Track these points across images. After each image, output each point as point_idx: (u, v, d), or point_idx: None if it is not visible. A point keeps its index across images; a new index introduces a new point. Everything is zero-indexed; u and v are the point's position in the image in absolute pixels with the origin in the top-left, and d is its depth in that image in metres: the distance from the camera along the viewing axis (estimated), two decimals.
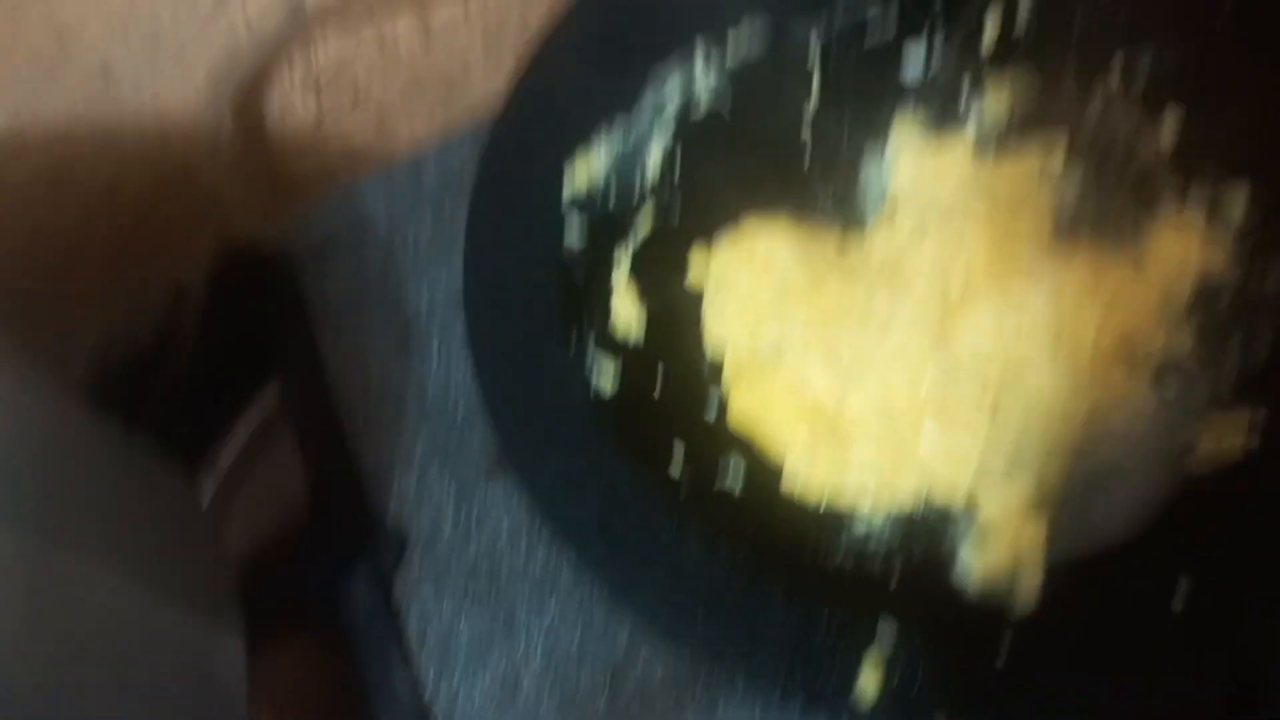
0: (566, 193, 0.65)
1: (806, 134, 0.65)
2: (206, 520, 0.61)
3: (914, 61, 0.64)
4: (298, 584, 0.64)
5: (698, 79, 0.66)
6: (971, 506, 0.53)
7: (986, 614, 0.50)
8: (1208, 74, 0.57)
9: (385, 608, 0.63)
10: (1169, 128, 0.58)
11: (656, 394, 0.59)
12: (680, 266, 0.62)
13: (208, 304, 0.73)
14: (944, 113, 0.62)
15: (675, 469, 0.57)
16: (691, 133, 0.66)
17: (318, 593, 0.64)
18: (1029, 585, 0.50)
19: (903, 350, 0.54)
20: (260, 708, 0.64)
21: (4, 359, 0.48)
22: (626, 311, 0.61)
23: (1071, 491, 0.52)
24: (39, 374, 0.52)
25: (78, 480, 0.50)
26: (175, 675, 0.49)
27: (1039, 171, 0.57)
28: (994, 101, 0.61)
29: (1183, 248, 0.55)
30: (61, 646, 0.43)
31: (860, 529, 0.55)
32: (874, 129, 0.64)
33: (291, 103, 0.85)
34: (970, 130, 0.61)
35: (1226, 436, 0.51)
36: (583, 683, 0.60)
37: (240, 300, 0.74)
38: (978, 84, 0.62)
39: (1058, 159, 0.57)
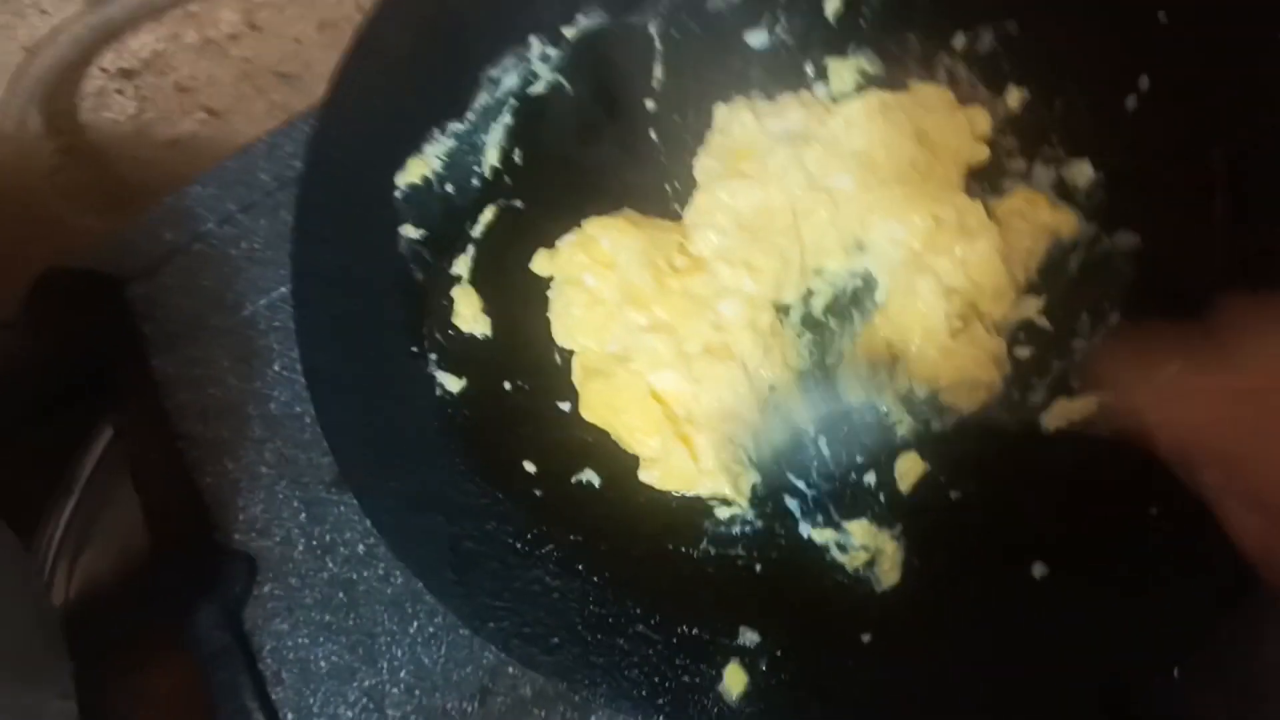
0: (400, 187, 0.60)
1: (650, 109, 0.61)
2: (29, 574, 0.56)
3: (757, 38, 0.61)
4: (136, 623, 0.59)
5: (534, 66, 0.62)
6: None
7: (849, 595, 0.49)
8: (1047, 53, 0.55)
9: (234, 646, 0.59)
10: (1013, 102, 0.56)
11: (508, 387, 0.56)
12: (525, 256, 0.58)
13: (26, 333, 0.67)
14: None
15: (529, 466, 0.54)
16: (532, 113, 0.62)
17: (163, 631, 0.60)
18: (891, 557, 0.49)
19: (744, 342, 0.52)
20: None
21: None
22: (470, 305, 0.58)
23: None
24: None
25: None
26: None
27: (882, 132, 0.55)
28: (837, 79, 0.58)
29: (1031, 214, 0.53)
30: None
31: (723, 513, 0.52)
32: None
33: (107, 99, 0.78)
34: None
35: (1075, 413, 0.50)
36: (450, 705, 0.57)
37: (66, 327, 0.68)
38: (820, 65, 0.59)
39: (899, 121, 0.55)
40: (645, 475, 0.54)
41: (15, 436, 0.71)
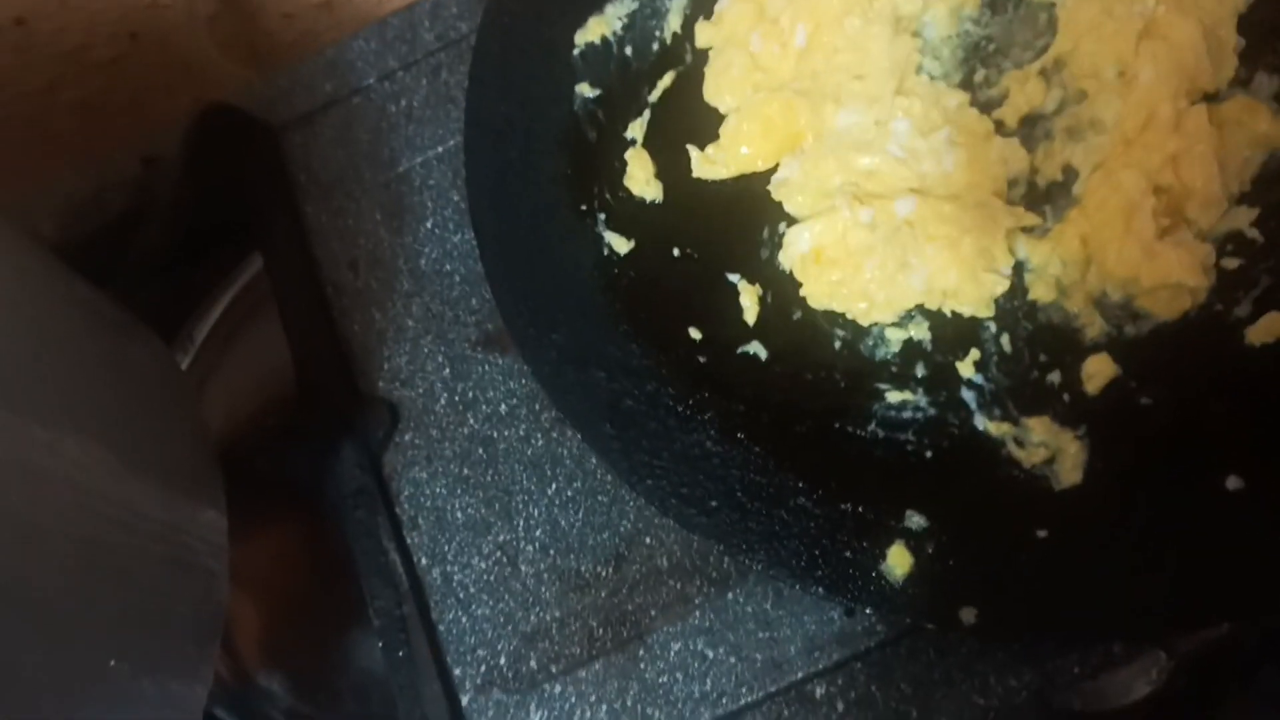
0: (578, 46, 0.59)
1: None
2: (186, 393, 0.56)
3: None
4: (282, 464, 0.60)
5: None
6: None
7: (1026, 490, 0.47)
8: None
9: (374, 488, 0.59)
10: None
11: (676, 253, 0.55)
12: (700, 125, 0.57)
13: (184, 168, 0.67)
14: None
15: (693, 334, 0.53)
16: None
17: (303, 472, 0.60)
18: (1073, 457, 0.47)
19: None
20: (241, 588, 0.61)
21: None
22: (644, 169, 0.57)
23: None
24: (10, 234, 0.47)
25: (47, 345, 0.45)
26: (147, 548, 0.46)
27: None
28: None
29: (1250, 123, 0.50)
30: (26, 514, 0.39)
31: (894, 398, 0.51)
32: None
33: None
34: None
35: None
36: (584, 568, 0.57)
37: (220, 166, 0.69)
38: None
39: None
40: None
41: (162, 272, 0.72)
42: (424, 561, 0.58)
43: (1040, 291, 0.51)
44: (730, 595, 0.54)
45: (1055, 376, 0.50)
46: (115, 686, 0.43)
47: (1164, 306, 0.49)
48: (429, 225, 0.66)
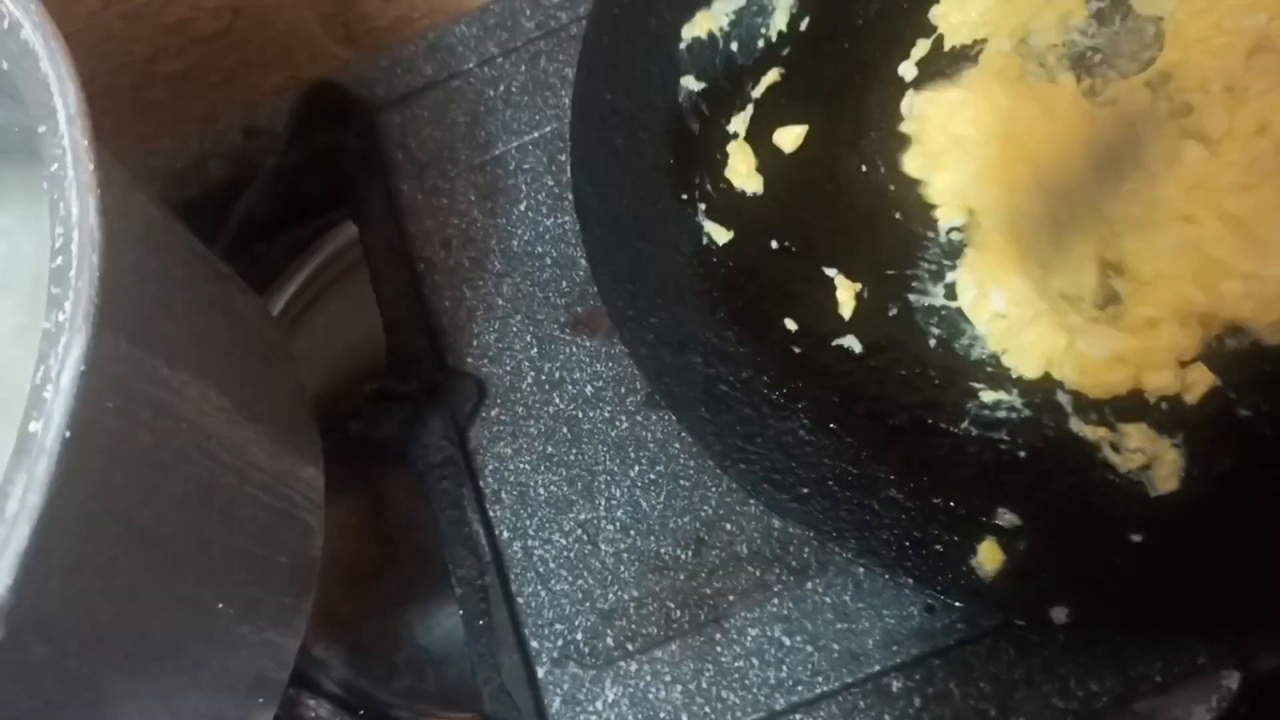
0: (685, 40, 0.60)
1: None
2: (287, 353, 0.58)
3: None
4: (370, 431, 0.61)
5: None
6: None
7: (1122, 494, 0.47)
8: None
9: (460, 459, 0.61)
10: None
11: (775, 246, 0.56)
12: (806, 117, 0.58)
13: (287, 140, 0.69)
14: None
15: (789, 324, 0.54)
16: None
17: (390, 441, 0.62)
18: (1170, 464, 0.47)
19: None
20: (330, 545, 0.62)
21: (114, 173, 0.45)
22: (745, 162, 0.58)
23: None
24: (136, 186, 0.49)
25: (171, 291, 0.46)
26: (256, 497, 0.47)
27: None
28: None
29: None
30: (153, 448, 0.40)
31: (989, 397, 0.51)
32: None
33: None
34: None
35: None
36: (663, 550, 0.57)
37: (321, 140, 0.70)
38: None
39: None
40: None
41: (261, 239, 0.74)
42: (506, 535, 0.59)
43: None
44: (809, 585, 0.54)
45: None
46: (220, 626, 0.45)
47: (1274, 332, 0.49)
48: (522, 208, 0.67)
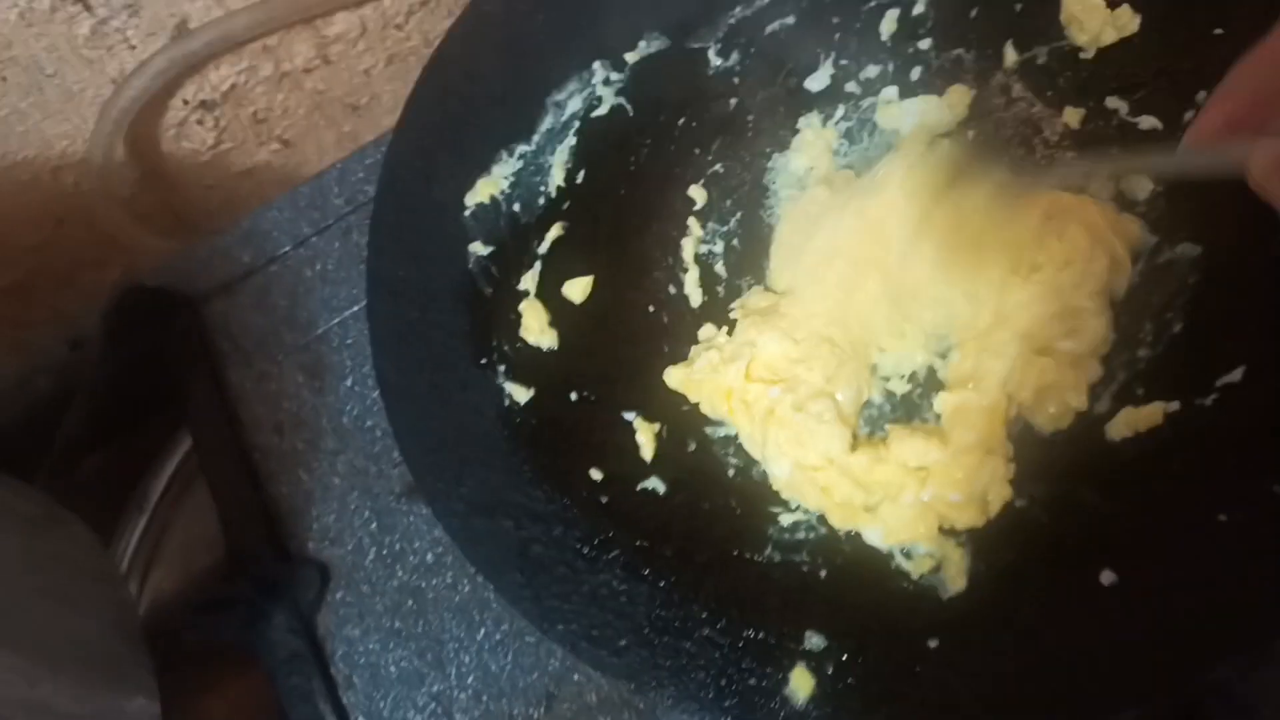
0: (469, 207, 0.63)
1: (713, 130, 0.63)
2: (111, 577, 0.58)
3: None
4: (213, 631, 0.61)
5: (598, 89, 0.65)
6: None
7: (916, 601, 0.49)
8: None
9: (307, 652, 0.60)
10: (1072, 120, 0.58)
11: (574, 397, 0.57)
12: (589, 272, 0.60)
13: (104, 349, 0.70)
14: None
15: (595, 474, 0.55)
16: (596, 135, 0.64)
17: (235, 638, 0.61)
18: (956, 562, 0.49)
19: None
20: None
21: None
22: (538, 319, 0.60)
23: None
24: None
25: None
26: None
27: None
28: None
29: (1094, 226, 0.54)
30: None
31: (787, 520, 0.53)
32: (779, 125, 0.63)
33: (188, 129, 0.82)
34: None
35: (1141, 422, 0.50)
36: (516, 711, 0.58)
37: (141, 342, 0.71)
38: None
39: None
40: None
41: (91, 452, 0.74)
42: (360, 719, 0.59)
43: None
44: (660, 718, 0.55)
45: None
46: None
47: (1048, 422, 0.51)
48: (349, 383, 0.68)
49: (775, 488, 0.55)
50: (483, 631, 0.60)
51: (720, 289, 0.61)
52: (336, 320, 0.71)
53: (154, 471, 0.74)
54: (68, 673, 0.47)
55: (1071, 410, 0.51)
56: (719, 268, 0.61)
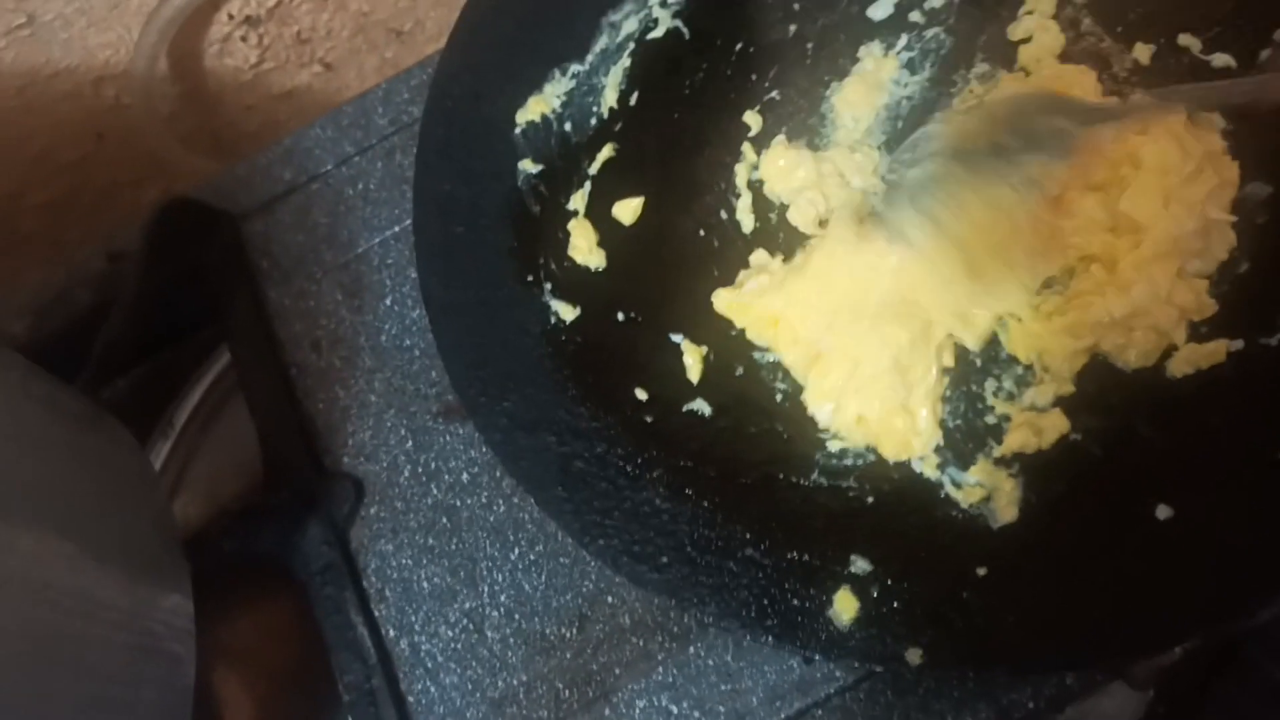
0: (519, 125, 0.62)
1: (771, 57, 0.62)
2: (149, 480, 0.58)
3: None
4: (250, 540, 0.61)
5: (654, 11, 0.63)
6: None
7: (965, 529, 0.48)
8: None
9: (340, 563, 0.60)
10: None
11: (620, 318, 0.57)
12: (642, 189, 0.59)
13: (145, 263, 0.69)
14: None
15: (640, 394, 0.55)
16: (651, 57, 0.63)
17: (271, 548, 0.61)
18: (1008, 492, 0.48)
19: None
20: (217, 665, 0.62)
21: None
22: (586, 238, 0.59)
23: None
24: None
25: (1, 441, 0.46)
26: (108, 637, 0.47)
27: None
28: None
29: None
30: None
31: (834, 446, 0.53)
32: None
33: (231, 46, 0.81)
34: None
35: (1203, 359, 0.49)
36: (548, 630, 0.58)
37: (181, 257, 0.71)
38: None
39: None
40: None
41: (128, 366, 0.74)
42: (392, 633, 0.59)
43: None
44: (692, 650, 0.55)
45: (990, 417, 0.51)
46: None
47: (1140, 358, 0.50)
48: (388, 302, 0.68)
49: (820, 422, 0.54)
50: (517, 551, 0.60)
51: (773, 215, 0.59)
52: (377, 240, 0.70)
53: (182, 395, 0.74)
54: (110, 563, 0.47)
55: (1162, 347, 0.50)
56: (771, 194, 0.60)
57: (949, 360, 0.53)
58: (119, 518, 0.52)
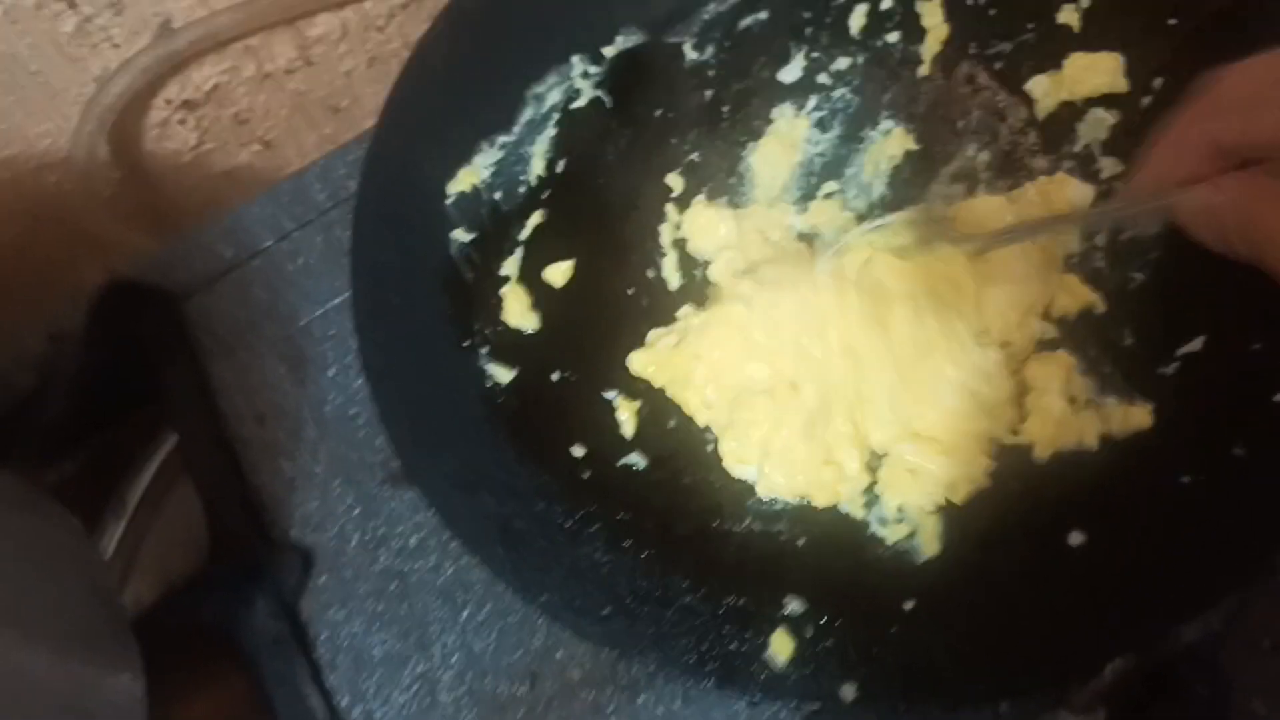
0: (450, 196, 0.64)
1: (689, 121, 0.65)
2: (93, 560, 0.58)
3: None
4: (192, 612, 0.61)
5: (576, 82, 0.66)
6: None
7: (892, 565, 0.50)
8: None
9: (289, 635, 0.61)
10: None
11: (555, 377, 0.58)
12: (571, 252, 0.61)
13: (85, 343, 0.70)
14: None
15: (577, 451, 0.56)
16: (575, 125, 0.65)
17: (216, 620, 0.62)
18: (930, 528, 0.50)
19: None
20: None
21: None
22: (519, 302, 0.61)
23: None
24: None
25: None
26: (54, 717, 0.47)
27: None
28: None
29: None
30: None
31: (765, 493, 0.54)
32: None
33: (170, 130, 0.82)
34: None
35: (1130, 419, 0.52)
36: (500, 689, 0.58)
37: (120, 337, 0.71)
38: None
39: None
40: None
41: (74, 447, 0.74)
42: (345, 702, 0.60)
43: None
44: (641, 699, 0.56)
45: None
46: None
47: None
48: (331, 373, 0.69)
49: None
50: (466, 612, 0.60)
51: (698, 272, 0.62)
52: (319, 312, 0.71)
53: (129, 477, 0.74)
54: (51, 647, 0.47)
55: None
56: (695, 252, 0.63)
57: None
58: (61, 601, 0.52)
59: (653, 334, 0.59)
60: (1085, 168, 0.58)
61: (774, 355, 0.54)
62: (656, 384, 0.58)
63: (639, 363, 0.58)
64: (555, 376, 0.60)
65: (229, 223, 0.76)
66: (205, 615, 0.61)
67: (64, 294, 0.84)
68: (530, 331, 0.61)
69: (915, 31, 0.63)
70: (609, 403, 0.59)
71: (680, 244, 0.63)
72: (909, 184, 0.60)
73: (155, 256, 0.76)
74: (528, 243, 0.63)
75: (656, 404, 0.58)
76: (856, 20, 0.64)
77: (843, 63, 0.64)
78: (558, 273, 0.62)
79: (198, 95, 0.81)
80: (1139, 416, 0.51)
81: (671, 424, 0.58)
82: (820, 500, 0.54)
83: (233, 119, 0.85)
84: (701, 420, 0.57)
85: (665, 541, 0.53)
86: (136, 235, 0.85)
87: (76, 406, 0.69)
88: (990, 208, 0.55)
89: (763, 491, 0.54)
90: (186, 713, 0.63)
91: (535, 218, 0.64)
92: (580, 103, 0.66)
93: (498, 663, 0.59)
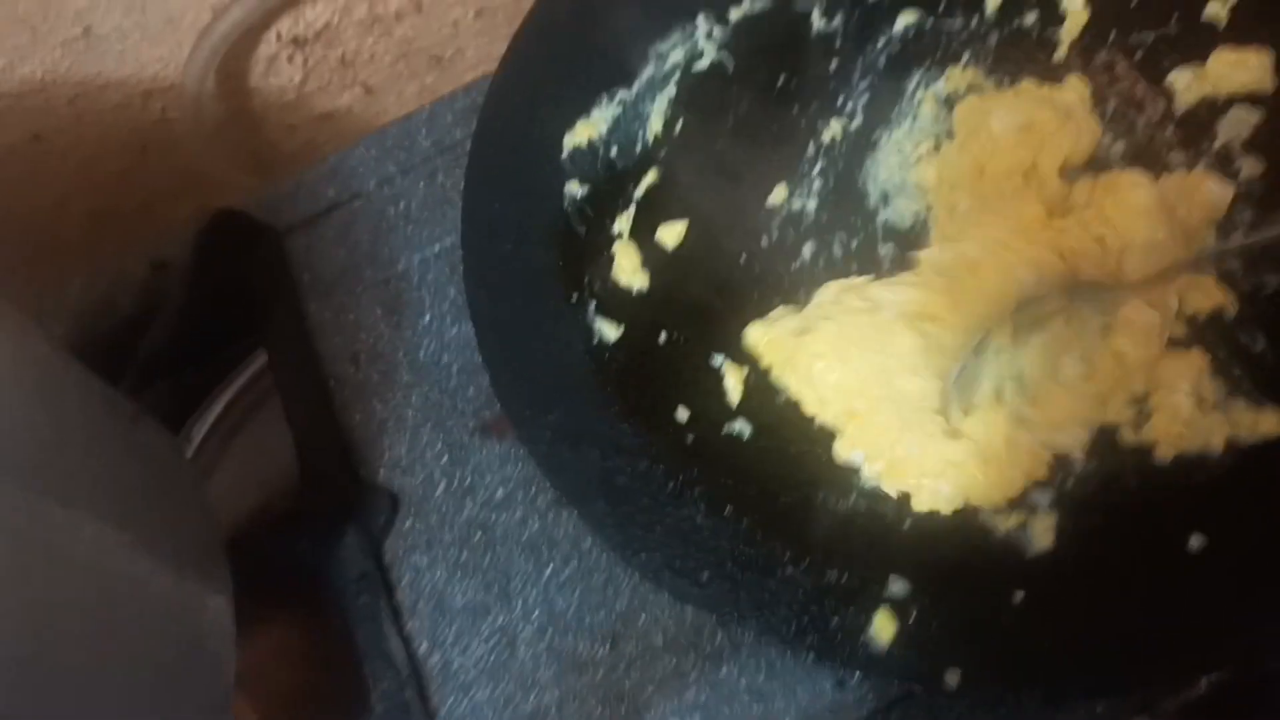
0: (566, 149, 0.63)
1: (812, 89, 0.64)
2: (195, 482, 0.59)
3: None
4: (286, 550, 0.62)
5: (700, 43, 0.65)
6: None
7: (1002, 554, 0.49)
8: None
9: (376, 573, 0.61)
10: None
11: (663, 339, 0.58)
12: (685, 213, 0.61)
13: (193, 272, 0.71)
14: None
15: (681, 414, 0.56)
16: (696, 86, 0.65)
17: (306, 559, 0.62)
18: (1045, 522, 0.49)
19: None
20: (246, 676, 0.62)
21: (4, 318, 0.46)
22: (630, 260, 0.60)
23: None
24: (30, 329, 0.50)
25: (66, 432, 0.47)
26: (160, 630, 0.47)
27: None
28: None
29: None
30: (46, 593, 0.41)
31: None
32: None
33: (278, 66, 0.83)
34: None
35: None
36: (581, 648, 0.58)
37: (226, 268, 0.72)
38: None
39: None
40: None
41: (169, 373, 0.75)
42: (424, 647, 0.60)
43: None
44: (724, 670, 0.55)
45: None
46: None
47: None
48: (427, 320, 0.69)
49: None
50: (550, 568, 0.60)
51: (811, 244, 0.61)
52: (418, 258, 0.71)
53: (201, 410, 0.75)
54: (163, 558, 0.48)
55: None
56: (810, 224, 0.62)
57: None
58: (170, 516, 0.52)
59: (777, 310, 0.58)
60: (1224, 166, 0.56)
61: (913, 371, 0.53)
62: (765, 362, 0.57)
63: (755, 335, 0.57)
64: (663, 337, 0.59)
65: (333, 163, 0.76)
66: (298, 544, 0.61)
67: (165, 224, 0.85)
68: (639, 290, 0.60)
69: (1054, 15, 0.62)
70: (716, 369, 0.58)
71: (794, 215, 0.62)
72: None
73: (256, 193, 0.76)
74: (641, 201, 0.62)
75: (765, 373, 0.58)
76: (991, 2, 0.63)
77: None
78: (670, 233, 0.61)
79: (308, 33, 0.82)
80: (1268, 423, 0.50)
81: (780, 398, 0.57)
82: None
83: (339, 60, 0.85)
84: (809, 410, 0.56)
85: (767, 511, 0.53)
86: (235, 172, 0.86)
87: (179, 334, 0.69)
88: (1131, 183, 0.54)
89: (871, 476, 0.53)
90: (268, 641, 0.64)
91: (650, 176, 0.63)
92: (702, 64, 0.65)
93: (580, 621, 0.58)
